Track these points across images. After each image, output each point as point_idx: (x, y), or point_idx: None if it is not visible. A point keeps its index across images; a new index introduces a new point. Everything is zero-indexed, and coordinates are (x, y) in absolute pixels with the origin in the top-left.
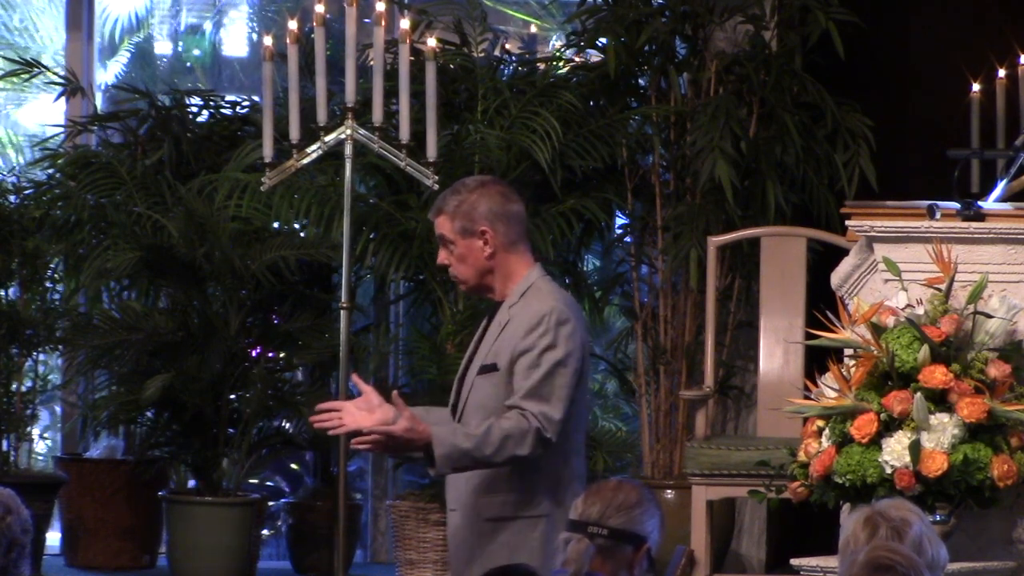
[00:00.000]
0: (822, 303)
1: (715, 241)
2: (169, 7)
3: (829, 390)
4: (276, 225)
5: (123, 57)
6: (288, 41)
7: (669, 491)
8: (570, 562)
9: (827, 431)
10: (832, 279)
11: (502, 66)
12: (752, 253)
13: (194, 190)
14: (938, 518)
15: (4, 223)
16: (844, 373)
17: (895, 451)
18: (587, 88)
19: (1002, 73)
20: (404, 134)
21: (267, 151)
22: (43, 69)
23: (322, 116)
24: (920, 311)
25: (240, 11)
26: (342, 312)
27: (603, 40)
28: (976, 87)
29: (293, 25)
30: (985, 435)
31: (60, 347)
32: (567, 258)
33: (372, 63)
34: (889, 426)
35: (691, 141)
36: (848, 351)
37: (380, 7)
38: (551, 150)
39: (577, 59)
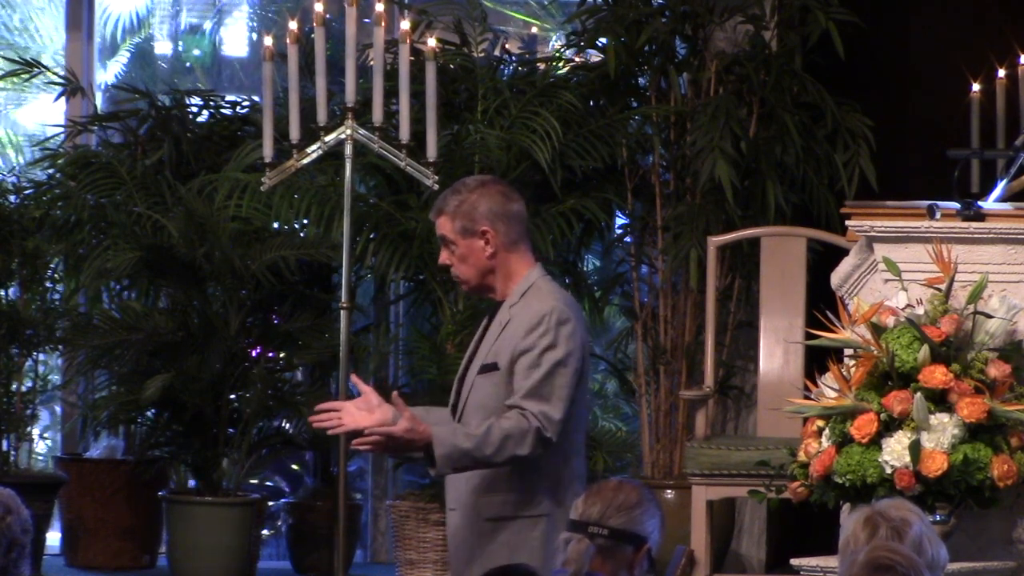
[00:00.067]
0: (822, 303)
1: (715, 241)
2: (169, 7)
3: (829, 390)
4: (276, 225)
5: (123, 57)
6: (288, 41)
7: (669, 491)
8: (570, 562)
9: (827, 431)
10: (832, 279)
11: (502, 66)
12: (752, 253)
13: (194, 190)
14: (938, 518)
15: (4, 223)
16: (844, 373)
17: (895, 451)
18: (587, 88)
19: (1002, 73)
20: (404, 134)
21: (267, 151)
22: (43, 69)
23: (322, 116)
24: (920, 311)
25: (240, 11)
26: (342, 312)
27: (603, 40)
28: (976, 87)
29: (293, 25)
30: (985, 435)
31: (60, 347)
32: (567, 258)
33: (372, 63)
34: (889, 426)
35: (691, 141)
36: (848, 351)
37: (380, 7)
38: (551, 150)
39: (577, 59)
